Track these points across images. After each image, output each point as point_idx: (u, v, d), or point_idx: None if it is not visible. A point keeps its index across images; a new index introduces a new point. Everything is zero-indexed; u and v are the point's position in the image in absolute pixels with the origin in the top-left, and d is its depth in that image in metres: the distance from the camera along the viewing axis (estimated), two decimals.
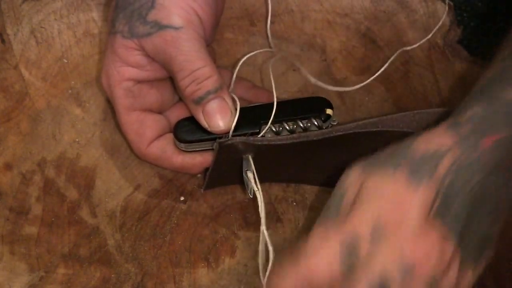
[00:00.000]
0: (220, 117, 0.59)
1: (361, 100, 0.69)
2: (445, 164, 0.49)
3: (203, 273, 0.61)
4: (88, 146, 0.66)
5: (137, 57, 0.61)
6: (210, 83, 0.59)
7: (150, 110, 0.63)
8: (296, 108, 0.62)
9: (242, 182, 0.62)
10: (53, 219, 0.63)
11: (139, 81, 0.62)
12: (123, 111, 0.62)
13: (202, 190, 0.64)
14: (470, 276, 0.50)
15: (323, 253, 0.49)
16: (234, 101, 0.60)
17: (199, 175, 0.65)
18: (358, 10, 0.72)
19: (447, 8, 0.70)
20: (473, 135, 0.50)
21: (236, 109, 0.60)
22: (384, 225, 0.48)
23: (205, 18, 0.60)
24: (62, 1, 0.69)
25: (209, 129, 0.60)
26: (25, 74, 0.68)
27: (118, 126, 0.65)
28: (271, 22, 0.71)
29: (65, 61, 0.69)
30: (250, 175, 0.59)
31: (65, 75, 0.69)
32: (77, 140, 0.67)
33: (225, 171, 0.62)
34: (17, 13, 0.69)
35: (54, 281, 0.60)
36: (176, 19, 0.59)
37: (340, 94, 0.69)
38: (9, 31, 0.68)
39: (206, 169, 0.63)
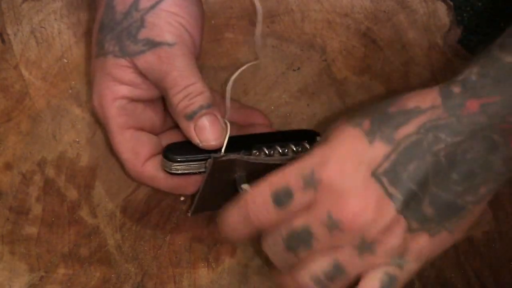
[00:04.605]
0: (212, 132, 0.58)
1: (361, 101, 0.69)
2: (414, 124, 0.49)
3: (203, 273, 0.61)
4: (88, 146, 0.66)
5: (131, 75, 0.60)
6: (203, 99, 0.59)
7: (143, 130, 0.62)
8: (286, 138, 0.61)
9: None
10: (53, 219, 0.63)
11: (133, 100, 0.61)
12: (116, 130, 0.61)
13: (189, 215, 0.63)
14: (424, 241, 0.50)
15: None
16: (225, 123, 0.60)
17: (182, 198, 0.64)
18: (358, 10, 0.72)
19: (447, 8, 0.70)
20: (460, 96, 0.49)
21: (227, 125, 0.59)
22: (320, 179, 0.49)
23: (193, 32, 0.60)
24: (62, 1, 0.69)
25: (200, 145, 0.58)
26: (25, 74, 0.68)
27: (110, 147, 0.64)
28: (271, 22, 0.71)
29: (65, 61, 0.69)
30: (245, 187, 0.59)
31: (65, 75, 0.69)
32: (77, 140, 0.67)
33: (214, 194, 0.61)
34: (17, 13, 0.69)
35: (54, 281, 0.60)
36: (169, 36, 0.59)
37: (340, 94, 0.69)
38: (9, 31, 0.68)
39: (192, 194, 0.62)
